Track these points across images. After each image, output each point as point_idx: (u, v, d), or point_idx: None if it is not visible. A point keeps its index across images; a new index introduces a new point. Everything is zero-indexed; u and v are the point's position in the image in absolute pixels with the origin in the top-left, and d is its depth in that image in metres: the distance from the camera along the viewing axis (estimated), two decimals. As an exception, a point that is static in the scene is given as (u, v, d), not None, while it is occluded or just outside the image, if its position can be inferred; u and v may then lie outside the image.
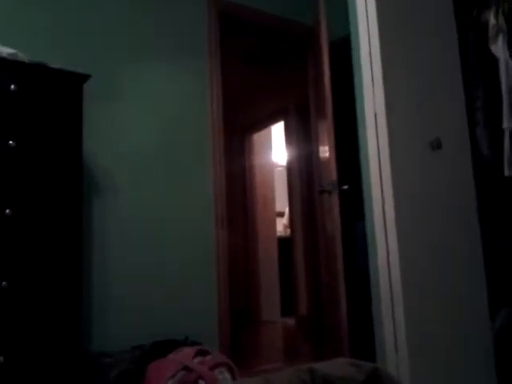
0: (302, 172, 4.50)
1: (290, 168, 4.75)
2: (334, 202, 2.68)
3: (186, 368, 1.93)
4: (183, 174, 2.83)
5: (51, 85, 2.01)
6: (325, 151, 2.90)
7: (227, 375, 2.01)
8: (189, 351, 2.08)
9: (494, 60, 2.21)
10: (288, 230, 5.18)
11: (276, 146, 5.62)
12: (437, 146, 2.00)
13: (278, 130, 5.46)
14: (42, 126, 1.96)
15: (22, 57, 1.97)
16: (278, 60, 4.53)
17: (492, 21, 2.20)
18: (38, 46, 2.38)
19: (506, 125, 2.15)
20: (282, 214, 5.78)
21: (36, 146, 1.92)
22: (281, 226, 5.83)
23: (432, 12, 2.28)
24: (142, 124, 2.73)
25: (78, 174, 2.03)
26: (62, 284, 1.92)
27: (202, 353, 2.08)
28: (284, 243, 5.07)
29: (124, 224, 2.56)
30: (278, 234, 5.46)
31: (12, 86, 1.88)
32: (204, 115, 2.96)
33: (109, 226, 2.52)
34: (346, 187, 2.61)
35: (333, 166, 2.73)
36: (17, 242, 1.83)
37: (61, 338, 1.89)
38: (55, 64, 2.04)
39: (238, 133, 5.41)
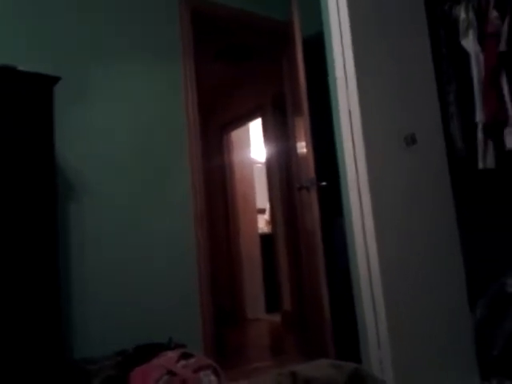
0: (282, 168, 4.50)
1: (269, 165, 4.75)
2: (313, 198, 2.68)
3: (171, 372, 1.92)
4: (160, 173, 2.79)
5: (20, 88, 1.96)
6: (302, 147, 2.90)
7: (212, 377, 2.00)
8: (172, 355, 2.06)
9: (466, 54, 2.23)
10: (270, 227, 5.18)
11: (254, 143, 5.61)
12: (411, 141, 2.01)
13: (255, 127, 5.45)
14: (12, 129, 1.91)
15: (-11, 61, 1.91)
16: (253, 57, 4.51)
17: (462, 15, 2.23)
18: (7, 48, 2.32)
19: (478, 118, 2.18)
20: (263, 211, 5.78)
21: (5, 149, 1.87)
22: (263, 222, 5.83)
23: (404, 7, 2.29)
24: (116, 124, 2.68)
25: (50, 177, 1.99)
26: (40, 290, 1.88)
27: (185, 356, 2.06)
28: (266, 240, 5.07)
29: (101, 226, 2.52)
30: (260, 230, 5.45)
31: (-21, 92, 1.84)
32: (180, 114, 2.92)
33: (85, 229, 2.47)
34: (324, 183, 2.62)
35: (311, 162, 2.73)
36: (-10, 251, 1.78)
37: (41, 345, 1.84)
38: (26, 66, 1.99)
39: (217, 131, 5.38)
